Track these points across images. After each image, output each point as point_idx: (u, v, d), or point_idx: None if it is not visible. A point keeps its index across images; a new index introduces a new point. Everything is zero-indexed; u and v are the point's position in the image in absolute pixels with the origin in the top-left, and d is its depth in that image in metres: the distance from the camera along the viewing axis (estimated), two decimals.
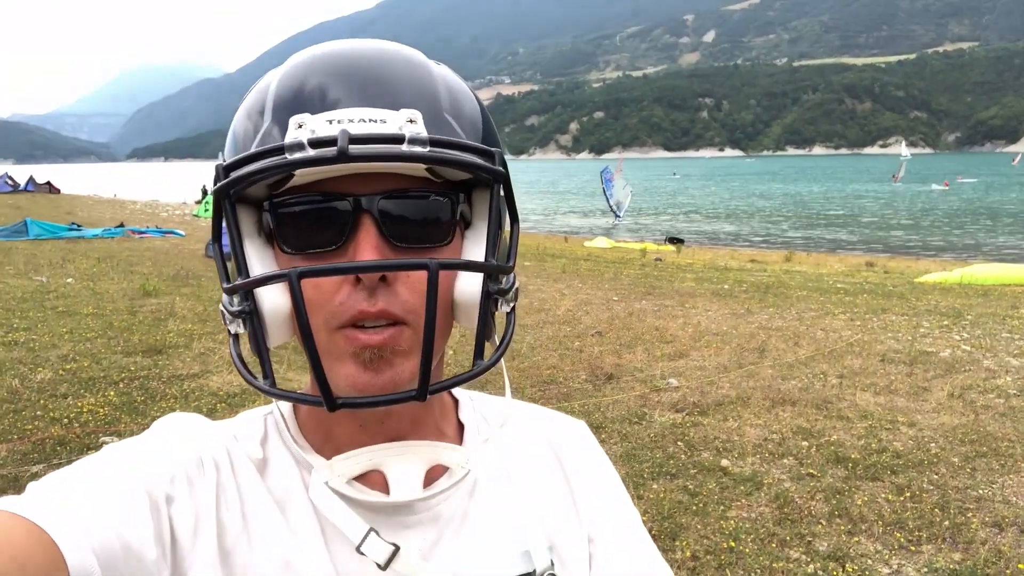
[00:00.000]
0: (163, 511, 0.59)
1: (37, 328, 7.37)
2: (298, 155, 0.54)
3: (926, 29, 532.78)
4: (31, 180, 40.11)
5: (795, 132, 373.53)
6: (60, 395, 5.39)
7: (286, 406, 0.70)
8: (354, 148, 0.53)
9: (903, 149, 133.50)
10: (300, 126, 0.55)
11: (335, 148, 0.52)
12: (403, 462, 0.65)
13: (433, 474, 0.67)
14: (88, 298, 9.05)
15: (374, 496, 0.64)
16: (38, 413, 5.00)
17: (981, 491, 4.07)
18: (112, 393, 5.47)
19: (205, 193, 33.10)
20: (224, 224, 0.61)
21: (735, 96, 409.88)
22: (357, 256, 0.57)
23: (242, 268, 0.59)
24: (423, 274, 0.56)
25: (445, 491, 0.66)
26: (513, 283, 0.64)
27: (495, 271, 0.60)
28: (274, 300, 0.59)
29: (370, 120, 0.56)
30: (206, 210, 26.08)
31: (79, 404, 5.19)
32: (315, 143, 0.53)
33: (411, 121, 0.56)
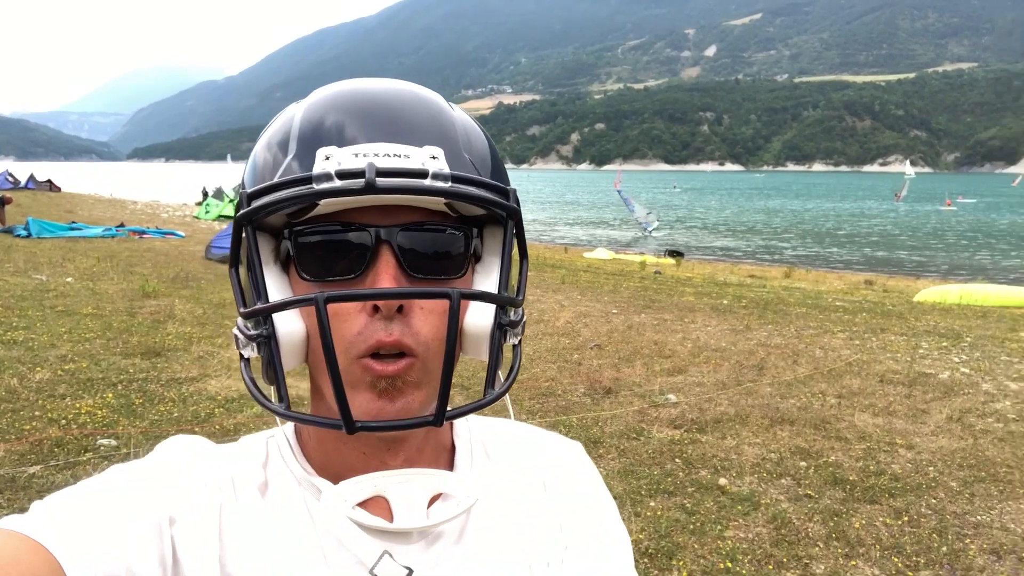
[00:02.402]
0: (166, 533, 0.60)
1: (36, 327, 7.35)
2: (325, 185, 0.55)
3: (926, 49, 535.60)
4: (31, 178, 40.14)
5: (795, 148, 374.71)
6: (58, 396, 5.38)
7: (289, 430, 0.72)
8: (381, 181, 0.55)
9: (907, 168, 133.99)
10: (327, 158, 0.58)
11: (362, 180, 0.55)
12: (407, 490, 0.66)
13: (433, 497, 0.69)
14: (88, 298, 9.04)
15: (379, 522, 0.65)
16: (36, 413, 4.99)
17: (979, 517, 4.07)
18: (110, 395, 5.45)
19: (206, 195, 33.11)
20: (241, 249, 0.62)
21: (736, 111, 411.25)
22: (376, 285, 0.59)
23: (261, 293, 0.60)
24: (437, 305, 0.60)
25: (448, 520, 0.67)
26: (521, 317, 0.66)
27: (509, 303, 0.63)
28: (289, 325, 0.60)
29: (394, 155, 0.58)
30: (207, 212, 26.07)
31: (77, 405, 5.18)
32: (342, 174, 0.55)
33: (433, 158, 0.59)
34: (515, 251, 0.66)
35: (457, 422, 0.76)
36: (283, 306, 0.57)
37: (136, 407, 5.26)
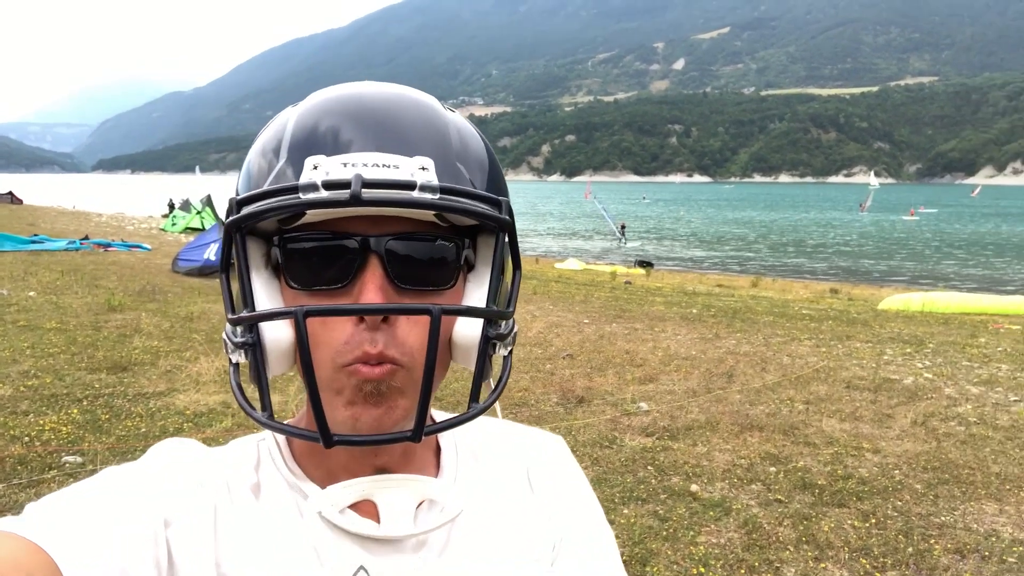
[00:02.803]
0: (160, 535, 0.60)
1: None
2: (311, 196, 0.55)
3: (888, 63, 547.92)
4: None
5: (762, 160, 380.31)
6: (21, 412, 5.26)
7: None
8: (367, 193, 0.54)
9: (872, 179, 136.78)
10: (315, 167, 0.57)
11: (347, 192, 0.54)
12: (394, 495, 0.67)
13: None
14: (51, 312, 8.86)
15: (366, 527, 0.65)
16: None
17: (943, 518, 4.16)
18: (75, 411, 5.35)
19: (172, 207, 32.65)
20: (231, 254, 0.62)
21: (704, 123, 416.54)
22: (362, 295, 0.59)
23: (248, 301, 0.60)
24: (424, 317, 0.59)
25: (434, 529, 0.67)
26: (512, 328, 0.66)
27: (496, 316, 0.62)
28: (276, 333, 0.61)
29: (383, 165, 0.57)
30: (173, 224, 25.72)
31: (41, 422, 5.07)
32: (328, 185, 0.55)
33: (423, 168, 0.58)
34: (508, 260, 0.66)
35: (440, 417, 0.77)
36: (264, 318, 0.58)
37: (102, 423, 5.16)
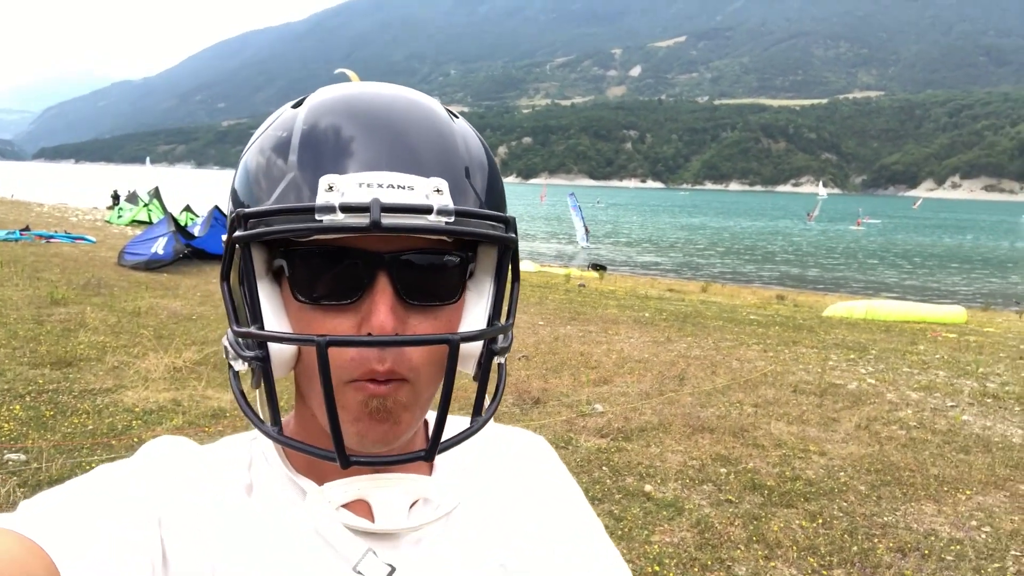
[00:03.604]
0: (155, 534, 0.60)
1: None
2: (328, 218, 0.55)
3: (837, 76, 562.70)
4: None
5: (713, 167, 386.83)
6: None
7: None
8: (385, 220, 0.54)
9: (820, 189, 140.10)
10: (330, 188, 0.56)
11: (367, 217, 0.54)
12: (389, 494, 0.68)
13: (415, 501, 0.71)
14: None
15: (362, 523, 0.66)
16: None
17: (886, 518, 4.31)
18: (18, 407, 5.18)
19: (116, 198, 31.73)
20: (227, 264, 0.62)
21: (658, 130, 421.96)
22: (372, 314, 0.59)
23: (257, 316, 0.59)
24: (431, 330, 0.61)
25: (428, 524, 0.68)
26: (510, 338, 0.68)
27: (503, 332, 0.64)
28: (281, 344, 0.60)
29: (398, 186, 0.56)
30: (119, 216, 25.01)
31: None
32: (346, 208, 0.54)
33: (438, 191, 0.58)
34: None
35: (430, 422, 0.78)
36: (284, 340, 0.57)
37: (47, 419, 5.01)
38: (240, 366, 0.61)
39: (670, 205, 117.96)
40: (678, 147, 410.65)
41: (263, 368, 0.59)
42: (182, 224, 16.17)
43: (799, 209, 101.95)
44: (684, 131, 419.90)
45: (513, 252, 0.66)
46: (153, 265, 12.87)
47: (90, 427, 4.94)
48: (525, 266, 21.88)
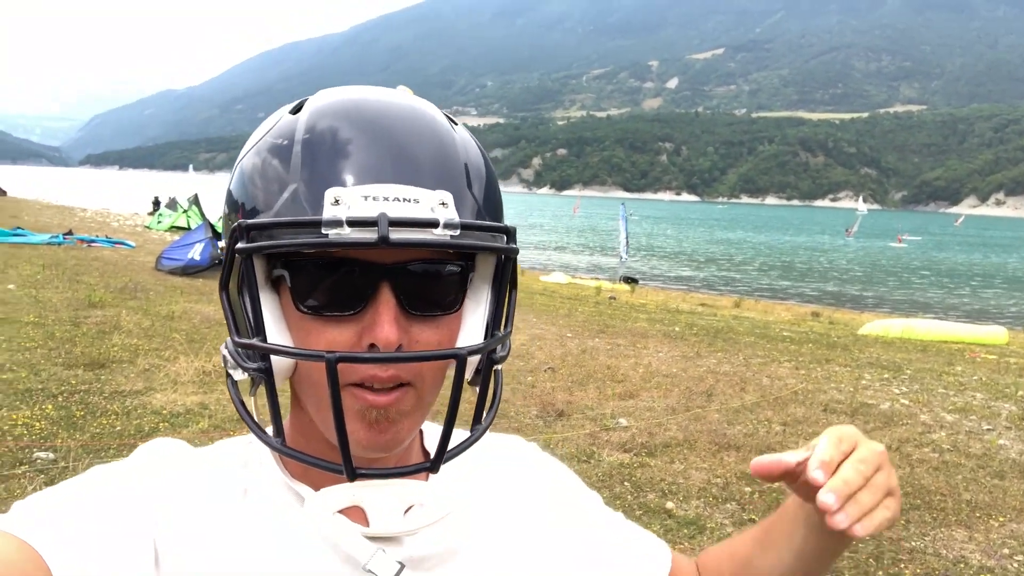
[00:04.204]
0: (149, 535, 0.61)
1: None
2: (335, 233, 0.54)
3: (879, 90, 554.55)
4: None
5: (750, 181, 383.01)
6: None
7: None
8: (393, 235, 0.54)
9: (860, 205, 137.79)
10: (336, 201, 0.56)
11: (375, 233, 0.53)
12: (384, 499, 0.68)
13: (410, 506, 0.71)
14: (30, 306, 8.77)
15: (358, 527, 0.66)
16: None
17: (914, 543, 4.19)
18: (50, 407, 5.30)
19: (156, 204, 32.42)
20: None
21: (694, 142, 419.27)
22: (376, 325, 0.58)
23: (260, 327, 0.59)
24: (433, 336, 0.62)
25: (423, 528, 0.68)
26: (508, 346, 0.68)
27: (503, 340, 0.65)
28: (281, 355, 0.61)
29: (404, 200, 0.56)
30: (159, 222, 25.55)
31: (14, 417, 5.01)
32: (353, 222, 0.54)
33: (443, 204, 0.58)
34: None
35: (425, 429, 0.78)
36: (293, 355, 0.58)
37: (77, 419, 5.11)
38: (240, 376, 0.62)
39: (705, 218, 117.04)
40: (714, 160, 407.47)
41: (266, 380, 0.60)
42: (219, 230, 16.45)
43: (837, 224, 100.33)
44: (720, 144, 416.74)
45: (513, 262, 0.66)
46: (189, 270, 13.11)
47: (118, 428, 5.04)
48: (556, 277, 21.86)
